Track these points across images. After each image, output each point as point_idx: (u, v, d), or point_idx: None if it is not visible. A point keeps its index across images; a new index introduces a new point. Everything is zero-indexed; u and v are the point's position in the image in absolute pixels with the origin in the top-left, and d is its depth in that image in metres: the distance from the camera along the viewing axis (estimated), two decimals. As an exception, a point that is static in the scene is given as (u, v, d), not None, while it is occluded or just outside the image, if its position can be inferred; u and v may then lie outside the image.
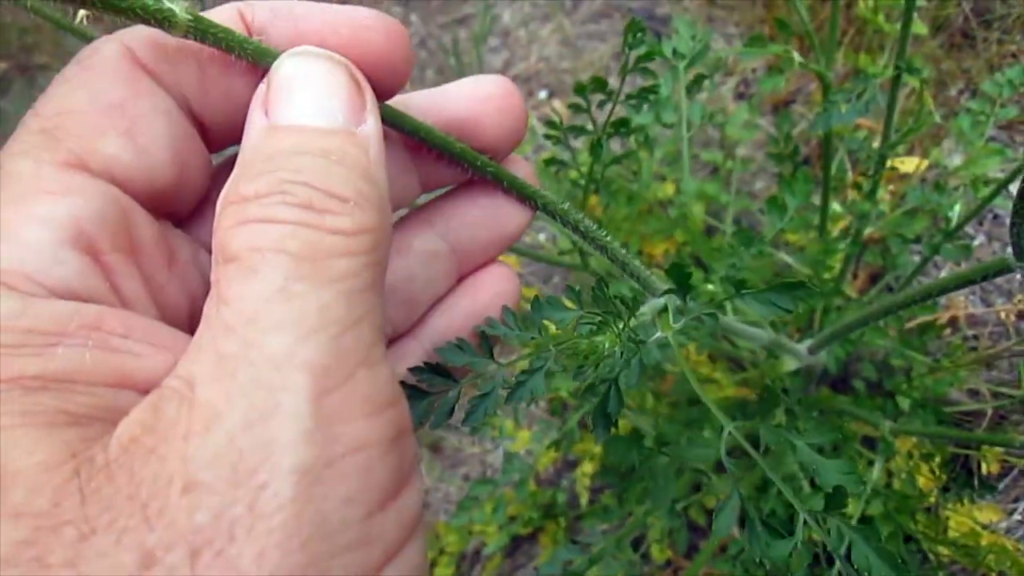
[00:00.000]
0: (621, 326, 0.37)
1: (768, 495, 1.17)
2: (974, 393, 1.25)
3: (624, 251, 0.41)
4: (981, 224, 1.47)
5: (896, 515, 1.02)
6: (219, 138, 0.31)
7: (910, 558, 1.08)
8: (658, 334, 0.40)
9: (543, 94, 1.69)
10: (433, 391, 0.36)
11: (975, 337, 1.33)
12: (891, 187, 1.41)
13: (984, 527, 1.07)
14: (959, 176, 1.18)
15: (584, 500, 1.18)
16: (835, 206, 1.23)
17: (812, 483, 1.15)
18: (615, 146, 1.51)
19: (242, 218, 0.24)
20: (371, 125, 0.28)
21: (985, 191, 1.05)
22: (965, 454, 1.19)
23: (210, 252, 0.29)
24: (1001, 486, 1.16)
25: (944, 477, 1.08)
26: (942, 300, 1.39)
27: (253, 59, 0.28)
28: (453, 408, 0.37)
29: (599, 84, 0.63)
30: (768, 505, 0.87)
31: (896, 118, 1.00)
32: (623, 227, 1.27)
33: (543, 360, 0.38)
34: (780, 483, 0.39)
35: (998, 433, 1.21)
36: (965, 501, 0.98)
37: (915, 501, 1.05)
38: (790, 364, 1.05)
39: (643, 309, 0.41)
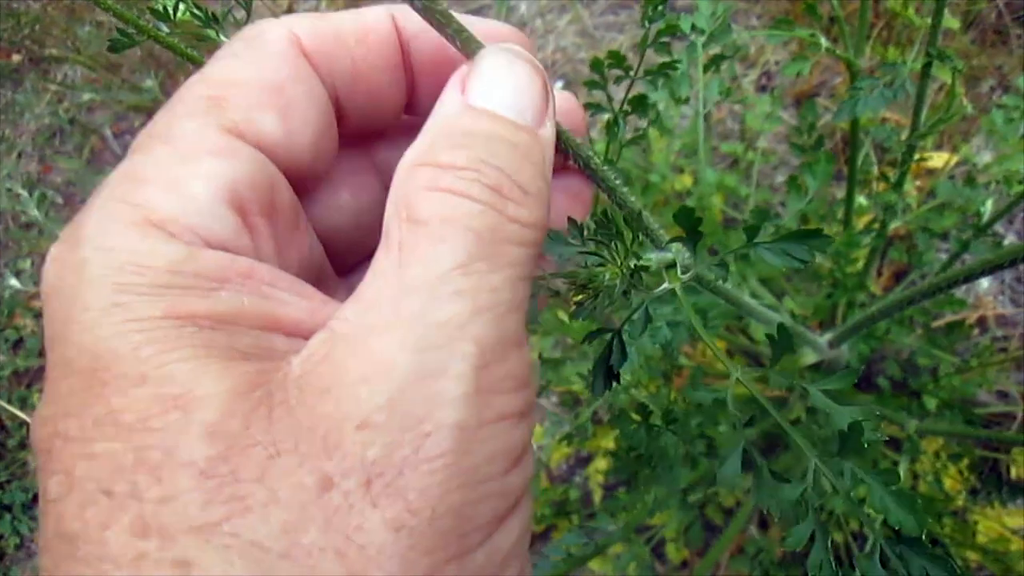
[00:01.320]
0: (623, 256, 0.35)
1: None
2: (1003, 395, 1.21)
3: (635, 200, 0.38)
4: (1011, 223, 1.43)
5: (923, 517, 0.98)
6: (350, 128, 0.34)
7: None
8: (665, 285, 0.38)
9: (559, 84, 1.66)
10: None
11: (1004, 338, 1.29)
12: (918, 183, 1.37)
13: (1014, 532, 1.03)
14: (989, 173, 1.15)
15: (597, 497, 1.15)
16: (860, 200, 1.19)
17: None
18: (630, 134, 1.48)
19: (437, 184, 0.26)
20: (549, 130, 0.30)
21: (1018, 188, 1.01)
22: (994, 458, 1.15)
23: (319, 229, 0.34)
24: (1031, 491, 1.12)
25: (972, 479, 1.04)
26: (970, 300, 1.35)
27: (462, 46, 0.30)
28: None
29: (617, 59, 0.61)
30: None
31: (925, 113, 0.96)
32: (640, 219, 1.24)
33: (536, 286, 0.36)
34: (788, 427, 0.36)
35: (1028, 436, 1.17)
36: (994, 505, 0.94)
37: (942, 504, 1.01)
38: (810, 357, 1.02)
39: (650, 255, 0.39)
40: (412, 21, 0.32)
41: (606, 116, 0.65)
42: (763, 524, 1.15)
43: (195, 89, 0.29)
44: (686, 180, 1.35)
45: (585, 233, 0.36)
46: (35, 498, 1.66)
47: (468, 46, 0.30)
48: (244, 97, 0.29)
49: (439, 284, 0.24)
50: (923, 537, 0.34)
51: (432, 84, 0.33)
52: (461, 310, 0.24)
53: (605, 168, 0.37)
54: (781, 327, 0.36)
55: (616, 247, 0.35)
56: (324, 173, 0.33)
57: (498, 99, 0.29)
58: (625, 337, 0.37)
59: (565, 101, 0.36)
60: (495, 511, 0.25)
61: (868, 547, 0.35)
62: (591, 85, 0.63)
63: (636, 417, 0.63)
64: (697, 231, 0.35)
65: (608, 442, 1.14)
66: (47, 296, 0.26)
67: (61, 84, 1.96)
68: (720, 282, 0.46)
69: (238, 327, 0.25)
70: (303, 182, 0.32)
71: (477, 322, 0.24)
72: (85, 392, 0.23)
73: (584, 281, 0.34)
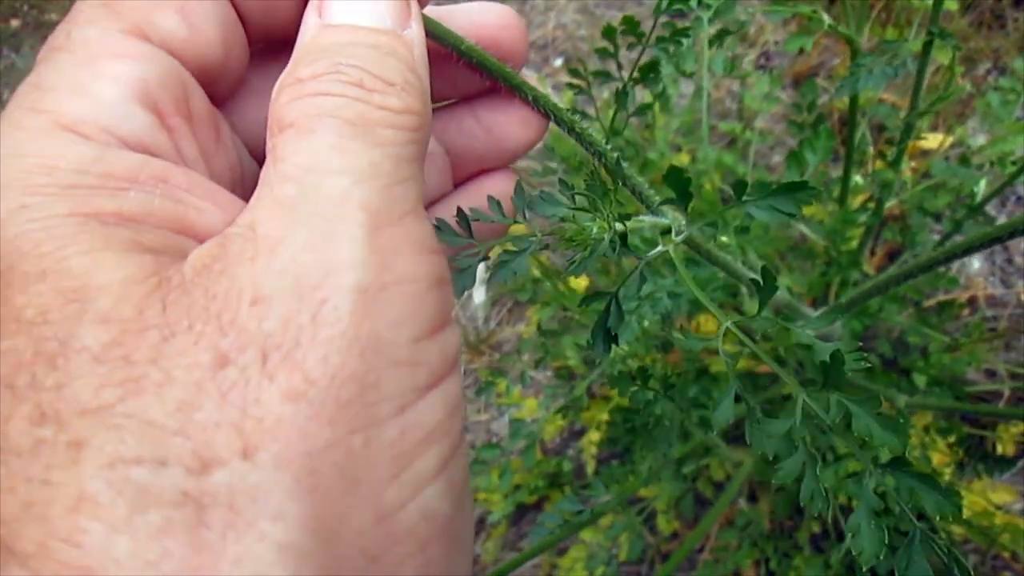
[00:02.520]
0: (608, 212, 0.36)
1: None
2: (991, 374, 1.23)
3: (626, 165, 0.39)
4: (1004, 205, 1.44)
5: (909, 491, 1.00)
6: (256, 32, 0.33)
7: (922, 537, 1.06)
8: (660, 248, 0.39)
9: (558, 61, 1.66)
10: None
11: (994, 318, 1.31)
12: (913, 164, 1.38)
13: (998, 508, 1.05)
14: (984, 155, 1.16)
15: (591, 469, 1.16)
16: (856, 179, 1.20)
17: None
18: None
19: (299, 94, 0.26)
20: (415, 30, 0.30)
21: (1012, 169, 1.02)
22: (980, 435, 1.17)
23: (242, 136, 0.34)
24: (1016, 467, 1.14)
25: (959, 454, 1.06)
26: (961, 280, 1.37)
27: None
28: None
29: (631, 25, 0.61)
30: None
31: (923, 92, 0.97)
32: (638, 194, 1.24)
33: (527, 243, 0.37)
34: (774, 364, 0.37)
35: (1014, 410, 1.19)
36: (980, 479, 0.96)
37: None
38: (829, 320, 1.03)
39: (643, 218, 0.39)
40: None
41: (615, 86, 0.66)
42: (752, 497, 1.17)
43: None
44: (684, 158, 1.35)
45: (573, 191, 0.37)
46: None
47: None
48: None
49: (316, 166, 0.25)
50: (906, 455, 0.35)
51: None
52: (342, 182, 0.25)
53: (601, 141, 0.38)
54: (765, 270, 0.36)
55: (604, 199, 0.36)
56: (238, 79, 0.33)
57: (352, 11, 0.29)
58: (620, 298, 0.37)
59: (500, 16, 0.36)
60: (409, 382, 0.24)
61: (864, 475, 0.36)
62: (602, 53, 0.63)
63: (636, 381, 0.64)
64: (687, 192, 0.36)
65: (602, 415, 1.15)
66: None
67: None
68: (712, 244, 0.47)
69: (145, 225, 0.25)
70: (217, 87, 0.32)
71: (361, 190, 0.25)
72: None
73: (572, 235, 0.35)
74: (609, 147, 0.39)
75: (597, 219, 0.36)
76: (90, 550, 0.20)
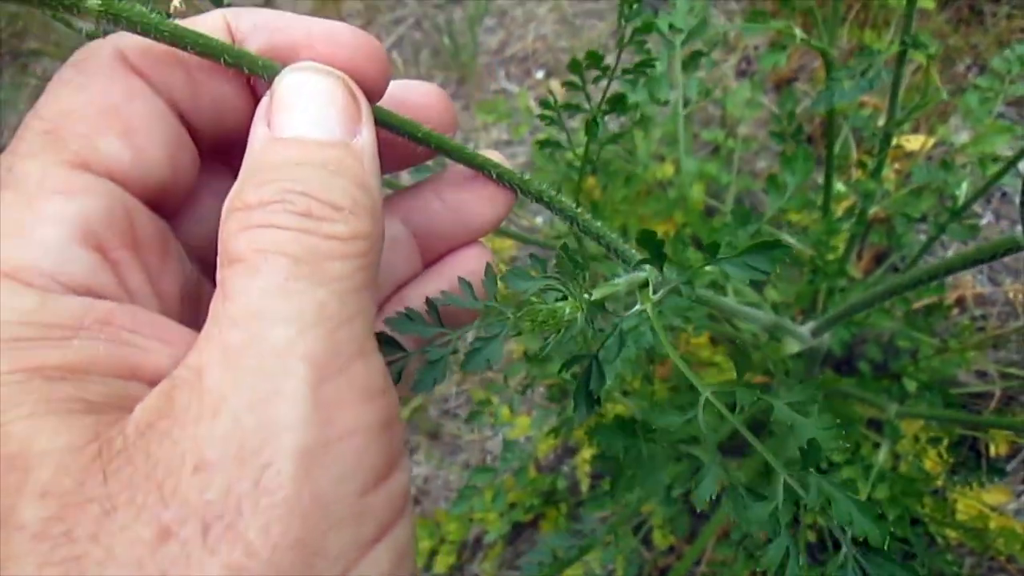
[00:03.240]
0: (580, 290, 0.36)
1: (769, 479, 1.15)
2: (982, 374, 1.23)
3: (599, 225, 0.40)
4: (989, 203, 1.44)
5: (903, 498, 1.00)
6: (206, 138, 0.32)
7: (917, 541, 1.06)
8: (637, 307, 0.39)
9: (540, 73, 1.66)
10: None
11: (983, 317, 1.31)
12: (896, 165, 1.38)
13: (992, 509, 1.05)
14: (966, 154, 1.16)
15: (585, 486, 1.16)
16: (839, 186, 1.21)
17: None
18: (612, 126, 1.48)
19: (247, 223, 0.26)
20: (366, 136, 0.30)
21: (993, 169, 1.02)
22: (973, 436, 1.17)
23: (193, 247, 0.33)
24: (1009, 468, 1.14)
25: (951, 459, 1.06)
26: (949, 280, 1.37)
27: (266, 77, 0.30)
28: (399, 377, 0.36)
29: (594, 59, 0.61)
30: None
31: (902, 95, 0.97)
32: (621, 208, 1.24)
33: (499, 327, 0.37)
34: (753, 439, 0.38)
35: (1006, 414, 1.19)
36: (974, 484, 0.96)
37: (922, 484, 1.03)
38: (793, 347, 1.03)
39: (617, 280, 0.40)
40: (245, 20, 0.31)
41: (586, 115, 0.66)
42: (749, 508, 1.17)
43: (32, 125, 0.28)
44: (667, 169, 1.35)
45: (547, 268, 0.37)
46: None
47: (269, 73, 0.30)
48: (81, 125, 0.28)
49: (260, 312, 0.24)
50: (886, 547, 0.35)
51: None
52: (285, 332, 0.24)
53: (571, 205, 0.38)
54: (739, 349, 0.37)
55: (574, 280, 0.36)
56: (186, 190, 0.32)
57: (300, 122, 0.28)
58: (601, 360, 0.37)
59: (428, 95, 0.36)
60: (354, 539, 0.23)
61: (841, 558, 0.36)
62: (570, 86, 0.63)
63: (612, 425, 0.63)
64: (662, 253, 0.36)
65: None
66: None
67: (41, 79, 1.93)
68: (690, 296, 0.47)
69: (91, 376, 0.25)
70: (165, 204, 0.31)
71: (306, 339, 0.24)
72: None
73: (545, 318, 0.35)
74: (579, 210, 0.39)
75: (570, 300, 0.36)
76: None
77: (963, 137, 1.51)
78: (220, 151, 0.34)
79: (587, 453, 1.14)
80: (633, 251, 0.42)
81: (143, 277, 0.29)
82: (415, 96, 0.35)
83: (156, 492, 0.22)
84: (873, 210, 1.13)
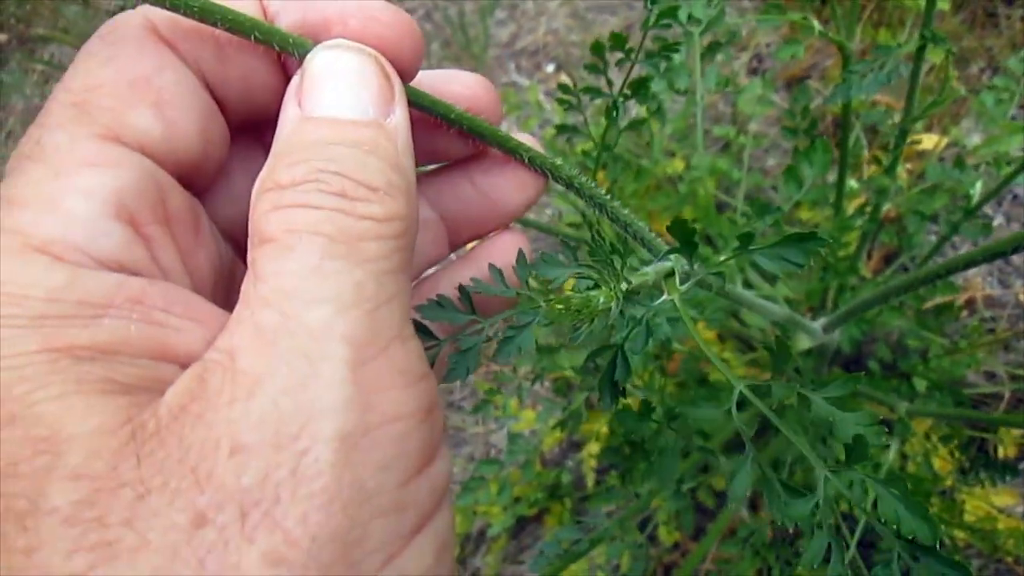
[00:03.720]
0: (616, 279, 0.35)
1: (783, 469, 1.15)
2: (991, 376, 1.22)
3: (627, 212, 0.39)
4: (1000, 204, 1.44)
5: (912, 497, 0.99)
6: (236, 115, 0.32)
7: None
8: (664, 297, 0.38)
9: (550, 67, 1.65)
10: None
11: (993, 319, 1.30)
12: (908, 165, 1.37)
13: (1000, 511, 1.05)
14: (979, 155, 1.15)
15: (590, 481, 1.16)
16: (851, 183, 1.20)
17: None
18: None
19: (279, 203, 0.25)
20: (399, 116, 0.29)
21: (1007, 170, 1.01)
22: (982, 437, 1.16)
23: (225, 227, 0.32)
24: (1019, 469, 1.14)
25: (960, 459, 1.05)
26: (959, 281, 1.36)
27: (297, 55, 0.30)
28: (431, 366, 0.35)
29: (618, 41, 0.60)
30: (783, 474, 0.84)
31: (917, 94, 0.96)
32: (631, 203, 1.23)
33: (531, 315, 0.36)
34: (794, 437, 0.36)
35: (1016, 415, 1.19)
36: (983, 485, 0.96)
37: (930, 484, 1.02)
38: (803, 343, 1.02)
39: (646, 269, 0.39)
40: (276, 2, 0.30)
41: (605, 100, 0.65)
42: (753, 507, 1.16)
43: (59, 98, 0.27)
44: (678, 165, 1.34)
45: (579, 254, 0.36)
46: None
47: (301, 51, 0.30)
48: (110, 98, 0.27)
49: (295, 292, 0.23)
50: (938, 546, 0.33)
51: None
52: (322, 312, 0.23)
53: (600, 192, 0.38)
54: (779, 341, 0.36)
55: (609, 268, 0.35)
56: (218, 167, 0.31)
57: (332, 102, 0.28)
58: (627, 351, 0.37)
59: (474, 85, 0.35)
60: (396, 530, 0.23)
61: (892, 559, 0.35)
62: (591, 69, 0.63)
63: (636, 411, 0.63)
64: (692, 242, 0.35)
65: (601, 427, 1.14)
66: None
67: (48, 64, 1.92)
68: (720, 287, 0.46)
69: (121, 356, 0.24)
70: (197, 180, 0.30)
71: (344, 320, 0.23)
72: None
73: (579, 307, 0.34)
74: (608, 196, 0.38)
75: (603, 288, 0.35)
76: None
77: (975, 139, 1.51)
78: (250, 128, 0.33)
79: (593, 448, 1.14)
80: (653, 235, 0.42)
81: (175, 254, 0.28)
82: (458, 87, 0.34)
83: (191, 476, 0.21)
84: (885, 208, 1.12)
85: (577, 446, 1.27)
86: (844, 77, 0.87)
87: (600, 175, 1.35)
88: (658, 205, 1.26)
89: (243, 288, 0.25)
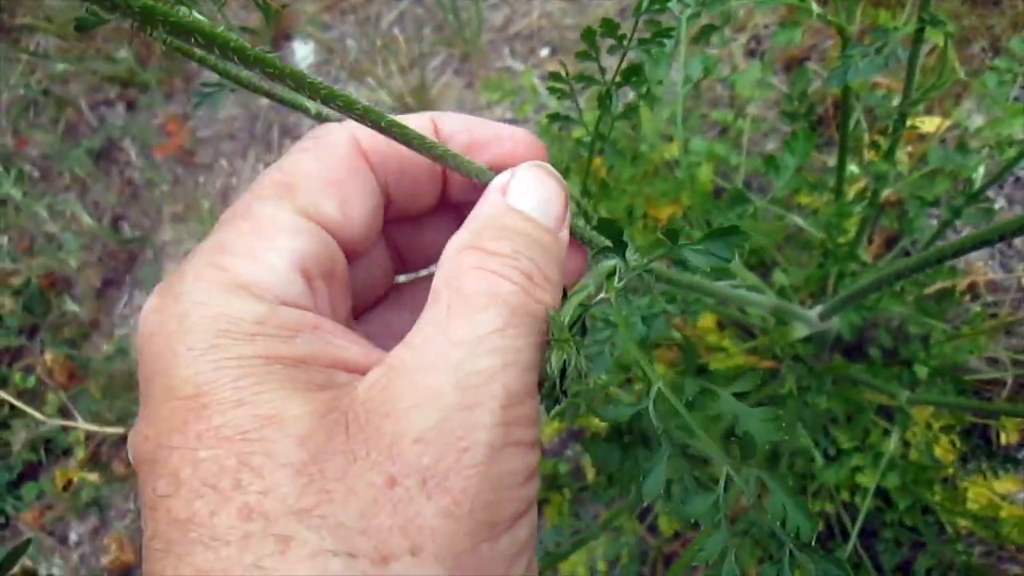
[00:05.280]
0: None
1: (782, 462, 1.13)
2: (993, 361, 1.21)
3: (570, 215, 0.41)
4: (1002, 188, 1.41)
5: (914, 487, 0.98)
6: (394, 213, 0.41)
7: (927, 530, 1.05)
8: (600, 296, 0.41)
9: (545, 52, 1.63)
10: None
11: (994, 304, 1.28)
12: (909, 148, 1.35)
13: (1003, 498, 1.04)
14: (980, 137, 1.13)
15: (590, 473, 1.15)
16: (852, 167, 1.18)
17: (825, 453, 1.11)
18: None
19: (483, 266, 0.33)
20: (566, 234, 0.38)
21: (1010, 152, 0.99)
22: (984, 423, 1.15)
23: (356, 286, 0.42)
24: (1021, 456, 1.12)
25: (962, 447, 1.04)
26: (960, 266, 1.34)
27: (464, 170, 0.38)
28: None
29: (609, 28, 0.58)
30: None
31: (917, 76, 0.94)
32: (628, 189, 1.22)
33: None
34: (700, 432, 0.37)
35: (1018, 402, 1.17)
36: (985, 473, 0.94)
37: (932, 472, 1.01)
38: (800, 331, 1.01)
39: (588, 281, 0.41)
40: (448, 125, 0.40)
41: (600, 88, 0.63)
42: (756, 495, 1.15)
43: (271, 175, 0.36)
44: (674, 149, 1.32)
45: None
46: (20, 477, 1.64)
47: (465, 169, 0.38)
48: (311, 186, 0.36)
49: (480, 341, 0.31)
50: (814, 542, 0.36)
51: (458, 182, 0.41)
52: (495, 362, 0.31)
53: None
54: (688, 345, 0.36)
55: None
56: (366, 250, 0.40)
57: (531, 204, 0.36)
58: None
59: (532, 146, 0.42)
60: (514, 511, 0.31)
61: (783, 555, 0.36)
62: (582, 56, 0.61)
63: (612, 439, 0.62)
64: (622, 241, 0.39)
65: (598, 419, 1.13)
66: (147, 339, 0.32)
67: (33, 54, 1.90)
68: (651, 285, 0.46)
69: (312, 366, 0.32)
70: (352, 253, 0.39)
71: (506, 373, 0.31)
72: (188, 413, 0.29)
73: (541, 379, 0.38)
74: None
75: (554, 351, 0.38)
76: None
77: (977, 121, 1.48)
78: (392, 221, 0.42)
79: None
80: (593, 234, 0.42)
81: (329, 303, 0.36)
82: (514, 141, 0.42)
83: (386, 452, 0.28)
84: (885, 193, 1.10)
85: (576, 435, 1.26)
86: (841, 61, 0.85)
87: (596, 160, 1.33)
88: (655, 190, 1.24)
89: (425, 316, 0.32)
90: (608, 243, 0.42)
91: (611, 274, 0.41)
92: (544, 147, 0.42)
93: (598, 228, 0.41)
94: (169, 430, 0.29)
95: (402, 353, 0.31)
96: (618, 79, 0.63)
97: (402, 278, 0.47)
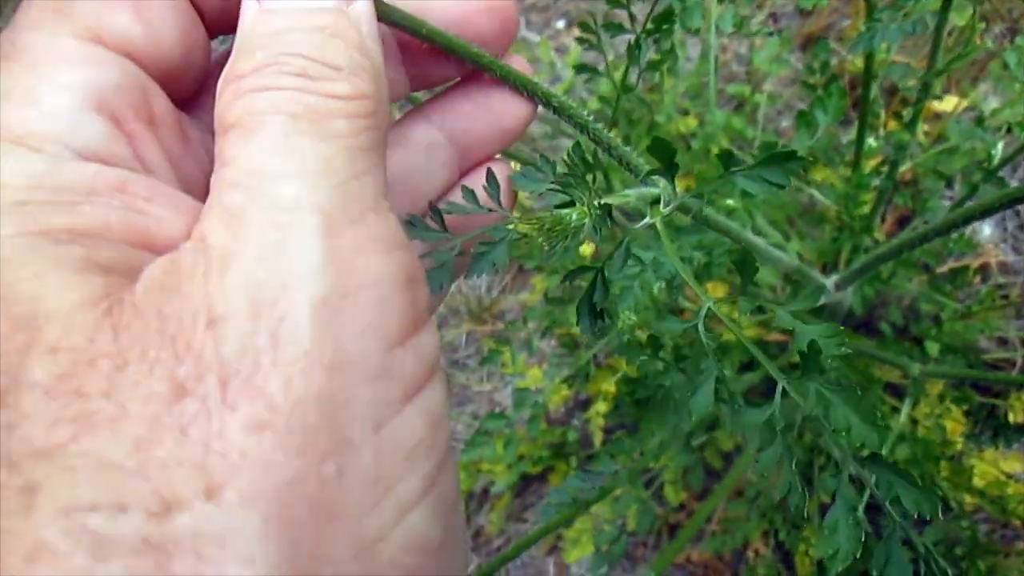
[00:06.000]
0: (589, 195, 0.35)
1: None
2: (1003, 342, 1.21)
3: (611, 135, 0.38)
4: (1015, 171, 1.41)
5: (923, 461, 0.98)
6: (213, 28, 0.32)
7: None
8: (646, 220, 0.38)
9: (561, 23, 1.62)
10: None
11: (1006, 285, 1.28)
12: (926, 127, 1.35)
13: (1009, 476, 1.04)
14: (998, 118, 1.12)
15: (597, 440, 1.14)
16: (869, 141, 1.17)
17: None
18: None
19: (239, 90, 0.25)
20: (362, 4, 0.28)
21: (1027, 132, 0.99)
22: (992, 403, 1.15)
23: (211, 135, 0.32)
24: (1029, 436, 1.12)
25: (970, 425, 1.04)
26: (973, 237, 1.34)
27: None
28: None
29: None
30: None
31: (942, 45, 0.93)
32: (644, 159, 1.21)
33: (503, 232, 0.36)
34: (754, 348, 0.36)
35: (1029, 381, 1.17)
36: (999, 446, 0.94)
37: (940, 448, 1.01)
38: (814, 300, 1.01)
39: (627, 191, 0.39)
40: None
41: (627, 41, 0.63)
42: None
43: (37, 3, 0.27)
44: (691, 122, 1.32)
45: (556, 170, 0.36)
46: None
47: None
48: (89, 1, 0.27)
49: (262, 170, 0.23)
50: (883, 453, 0.34)
51: None
52: (291, 186, 0.23)
53: (589, 118, 0.37)
54: (746, 253, 0.36)
55: (583, 185, 0.35)
56: (201, 78, 0.31)
57: None
58: (607, 273, 0.37)
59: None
60: (383, 397, 0.22)
61: (839, 466, 0.36)
62: (612, 3, 0.60)
63: (645, 348, 0.62)
64: (673, 162, 0.35)
65: (609, 385, 1.13)
66: None
67: None
68: (710, 210, 0.45)
69: (101, 240, 0.24)
70: (180, 88, 0.30)
71: (315, 192, 0.23)
72: None
73: (551, 224, 0.34)
74: (591, 118, 0.38)
75: (577, 204, 0.35)
76: None
77: (992, 104, 1.48)
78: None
79: (601, 406, 1.12)
80: (639, 159, 0.41)
81: (162, 155, 0.28)
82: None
83: (169, 348, 0.21)
84: (902, 170, 1.10)
85: (583, 404, 1.26)
86: (867, 26, 0.84)
87: (613, 132, 1.33)
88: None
89: (212, 180, 0.25)
90: (656, 167, 0.41)
91: (656, 200, 0.39)
92: None
93: (651, 149, 0.37)
94: None
95: (194, 229, 0.24)
96: (649, 26, 0.62)
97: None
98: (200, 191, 0.29)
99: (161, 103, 0.28)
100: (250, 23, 0.27)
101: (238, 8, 0.30)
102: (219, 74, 0.30)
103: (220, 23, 0.31)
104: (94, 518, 0.19)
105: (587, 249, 1.10)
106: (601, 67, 0.70)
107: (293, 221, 0.22)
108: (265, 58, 0.25)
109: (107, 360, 0.21)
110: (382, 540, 0.22)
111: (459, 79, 0.37)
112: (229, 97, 0.25)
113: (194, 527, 0.19)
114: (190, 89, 0.31)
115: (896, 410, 1.12)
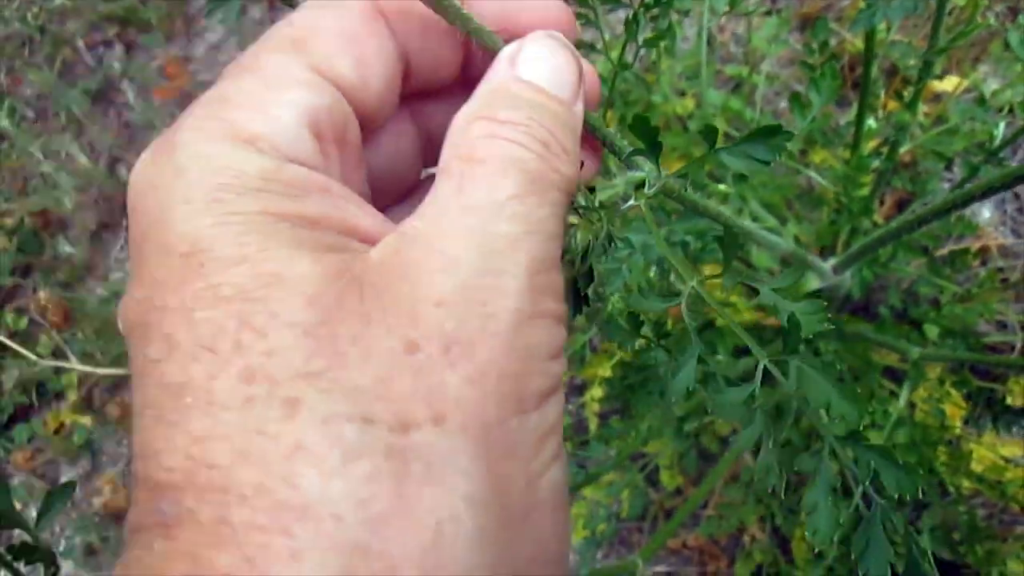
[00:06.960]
0: (589, 212, 0.36)
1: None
2: (1002, 326, 1.20)
3: (595, 116, 0.39)
4: (1015, 152, 1.40)
5: (922, 445, 0.97)
6: (411, 84, 0.38)
7: (931, 491, 1.04)
8: (631, 202, 0.39)
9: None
10: None
11: (1006, 269, 1.27)
12: (926, 108, 1.33)
13: (1007, 461, 1.03)
14: (998, 99, 1.11)
15: (593, 425, 1.13)
16: (870, 122, 1.16)
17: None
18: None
19: (495, 133, 0.30)
20: (580, 108, 0.35)
21: (1029, 112, 0.97)
22: (990, 388, 1.14)
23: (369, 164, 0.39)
24: (1027, 420, 1.11)
25: (968, 409, 1.03)
26: (973, 219, 1.33)
27: (477, 41, 0.35)
28: None
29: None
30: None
31: (943, 22, 0.91)
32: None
33: None
34: (737, 327, 0.36)
35: (1028, 364, 1.16)
36: (998, 431, 0.93)
37: (937, 433, 1.00)
38: (813, 283, 0.99)
39: (616, 180, 0.39)
40: None
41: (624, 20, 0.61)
42: (757, 452, 1.14)
43: (282, 31, 0.33)
44: (688, 104, 1.30)
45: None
46: (10, 420, 1.63)
47: (482, 40, 0.35)
48: (325, 41, 0.33)
49: (498, 207, 0.29)
50: (861, 428, 0.35)
51: (479, 58, 0.38)
52: (516, 229, 0.29)
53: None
54: (729, 232, 0.35)
55: (584, 204, 0.36)
56: (383, 121, 0.37)
57: (542, 74, 0.33)
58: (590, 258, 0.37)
59: (561, 19, 0.39)
60: (542, 387, 0.29)
61: (823, 447, 0.35)
62: (609, -24, 0.58)
63: (625, 326, 0.60)
64: (656, 142, 0.36)
65: (604, 370, 1.11)
66: (140, 193, 0.29)
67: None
68: (688, 192, 0.44)
69: (322, 228, 0.29)
70: (366, 125, 0.36)
71: (529, 240, 0.29)
72: (184, 271, 0.27)
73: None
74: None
75: (580, 225, 0.36)
76: (307, 491, 0.24)
77: (993, 86, 1.46)
78: (413, 98, 0.39)
79: (596, 391, 1.11)
80: (624, 143, 0.40)
81: (340, 173, 0.33)
82: (542, 11, 0.38)
83: (406, 316, 0.26)
84: (902, 151, 1.08)
85: (579, 389, 1.25)
86: (868, 3, 0.82)
87: (608, 115, 1.31)
88: (667, 145, 1.21)
89: (437, 188, 0.30)
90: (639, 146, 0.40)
91: (641, 184, 0.40)
92: (574, 21, 0.38)
93: (632, 127, 0.38)
94: (163, 291, 0.27)
95: (415, 223, 0.29)
96: (647, 1, 0.60)
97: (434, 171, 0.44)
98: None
99: (353, 131, 0.34)
100: (502, 80, 0.33)
101: (441, 75, 0.38)
102: (395, 128, 0.39)
103: (420, 83, 0.38)
104: (348, 427, 0.25)
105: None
106: (599, 45, 0.68)
107: (512, 256, 0.28)
108: (521, 118, 0.31)
109: (355, 317, 0.26)
110: (540, 478, 0.28)
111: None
112: (482, 132, 0.31)
113: (426, 443, 0.25)
114: (372, 128, 0.37)
115: (895, 394, 1.11)
